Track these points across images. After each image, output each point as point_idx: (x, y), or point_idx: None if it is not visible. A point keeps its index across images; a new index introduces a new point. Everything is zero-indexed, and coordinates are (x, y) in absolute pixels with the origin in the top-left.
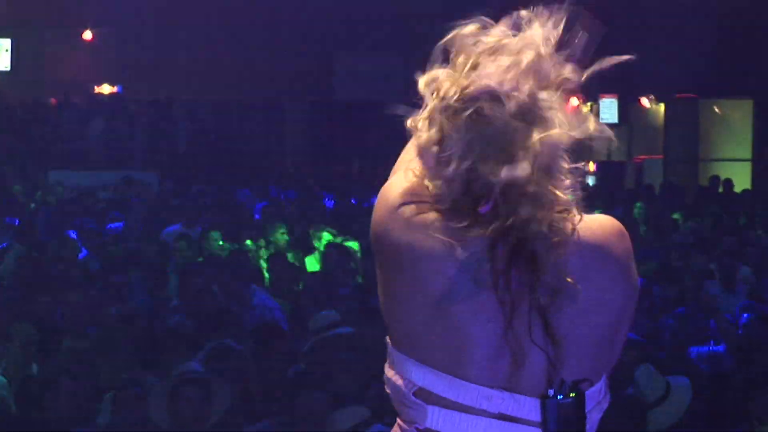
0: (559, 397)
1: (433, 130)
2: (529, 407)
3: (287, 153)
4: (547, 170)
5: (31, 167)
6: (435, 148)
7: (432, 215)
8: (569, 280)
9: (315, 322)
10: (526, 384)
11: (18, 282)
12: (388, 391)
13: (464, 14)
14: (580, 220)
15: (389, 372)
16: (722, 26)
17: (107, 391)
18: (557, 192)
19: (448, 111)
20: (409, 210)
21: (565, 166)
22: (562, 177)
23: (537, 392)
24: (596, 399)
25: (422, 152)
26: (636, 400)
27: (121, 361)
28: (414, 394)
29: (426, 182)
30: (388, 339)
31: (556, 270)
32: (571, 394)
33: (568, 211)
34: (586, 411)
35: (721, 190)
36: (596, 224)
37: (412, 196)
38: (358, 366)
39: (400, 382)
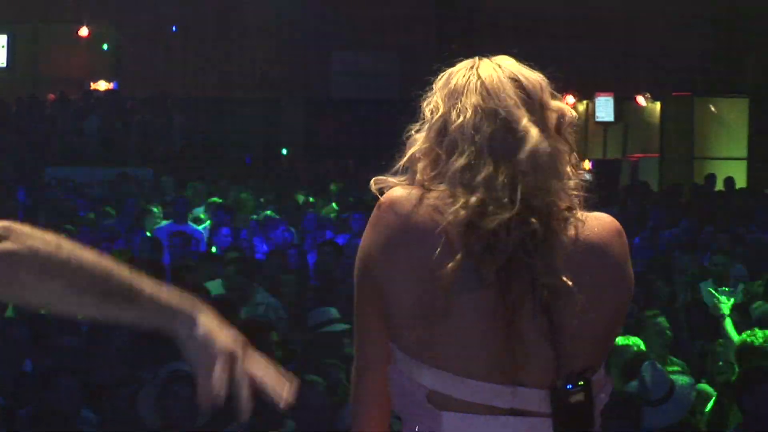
0: (568, 386)
1: (431, 140)
2: (538, 400)
3: (283, 149)
4: (548, 171)
5: (27, 163)
6: (435, 151)
7: (439, 204)
8: (567, 280)
9: (313, 318)
10: (532, 377)
11: None
12: (392, 391)
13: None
14: (582, 219)
15: (395, 375)
16: (718, 24)
17: (102, 388)
18: (560, 192)
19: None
20: (417, 194)
21: (570, 167)
22: (567, 177)
23: (544, 384)
24: (600, 384)
25: (425, 152)
26: (632, 397)
27: (116, 358)
28: (427, 397)
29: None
30: (392, 343)
31: (556, 269)
32: (579, 383)
33: (570, 209)
34: (593, 397)
35: (722, 188)
36: (596, 224)
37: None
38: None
39: (410, 386)
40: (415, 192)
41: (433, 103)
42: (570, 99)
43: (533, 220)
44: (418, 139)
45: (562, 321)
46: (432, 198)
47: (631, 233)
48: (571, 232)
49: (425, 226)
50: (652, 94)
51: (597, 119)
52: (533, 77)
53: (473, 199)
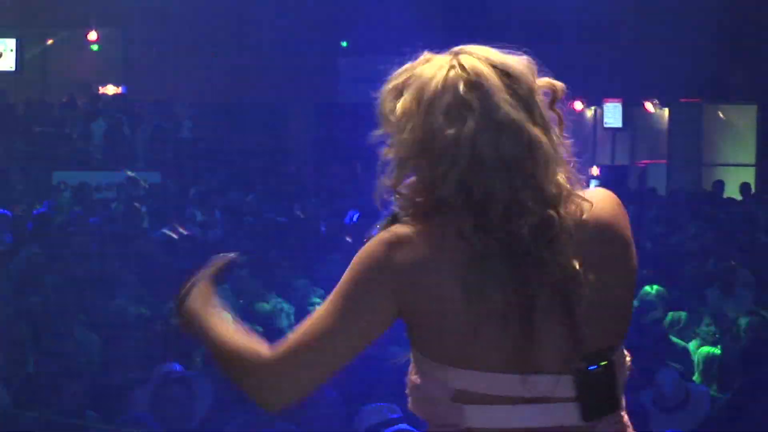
0: (591, 367)
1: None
2: (561, 385)
3: (291, 154)
4: (553, 162)
5: (35, 167)
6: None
7: (441, 216)
8: (580, 264)
9: None
10: (554, 363)
11: (28, 280)
12: (416, 397)
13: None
14: (586, 198)
15: (418, 380)
16: (727, 31)
17: (109, 390)
18: (565, 176)
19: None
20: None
21: (562, 144)
22: (565, 158)
23: (567, 369)
24: (621, 361)
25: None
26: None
27: (124, 360)
28: (452, 398)
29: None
30: (415, 352)
31: (569, 255)
32: (601, 363)
33: (571, 194)
34: (616, 375)
35: (739, 193)
36: (598, 200)
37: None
38: (367, 366)
39: (437, 390)
40: (417, 225)
41: (407, 103)
42: (578, 105)
43: (550, 212)
44: (403, 142)
45: (580, 304)
46: (436, 219)
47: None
48: (579, 213)
49: (436, 229)
50: (661, 100)
51: (605, 125)
52: (520, 61)
53: (498, 205)
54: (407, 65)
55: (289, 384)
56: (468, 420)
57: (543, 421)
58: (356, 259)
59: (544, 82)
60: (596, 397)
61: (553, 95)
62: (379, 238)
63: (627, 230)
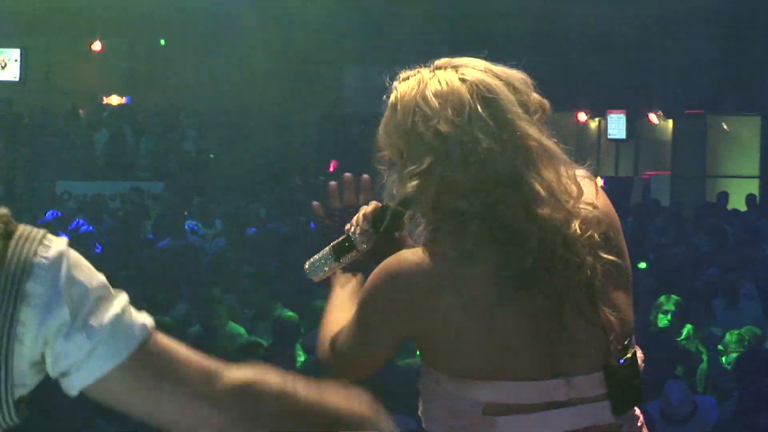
0: (621, 361)
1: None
2: (593, 384)
3: (295, 165)
4: (558, 163)
5: (39, 176)
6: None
7: (461, 233)
8: (599, 263)
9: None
10: (584, 364)
11: None
12: (440, 417)
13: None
14: (589, 200)
15: (441, 399)
16: (731, 42)
17: None
18: (570, 180)
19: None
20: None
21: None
22: (563, 171)
23: (596, 367)
24: (637, 351)
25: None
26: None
27: None
28: (482, 412)
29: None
30: (433, 371)
31: (591, 253)
32: (627, 356)
33: (581, 191)
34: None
35: (745, 204)
36: (591, 194)
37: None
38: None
39: (463, 405)
40: (427, 251)
41: (442, 120)
42: (582, 116)
43: (571, 215)
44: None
45: (604, 299)
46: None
47: (640, 250)
48: (589, 208)
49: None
50: (665, 111)
51: (609, 137)
52: (515, 74)
53: (522, 216)
54: (406, 81)
55: (343, 375)
56: (501, 430)
57: (576, 423)
58: (378, 279)
59: (535, 99)
60: (625, 390)
61: (541, 113)
62: (400, 258)
63: (611, 207)
